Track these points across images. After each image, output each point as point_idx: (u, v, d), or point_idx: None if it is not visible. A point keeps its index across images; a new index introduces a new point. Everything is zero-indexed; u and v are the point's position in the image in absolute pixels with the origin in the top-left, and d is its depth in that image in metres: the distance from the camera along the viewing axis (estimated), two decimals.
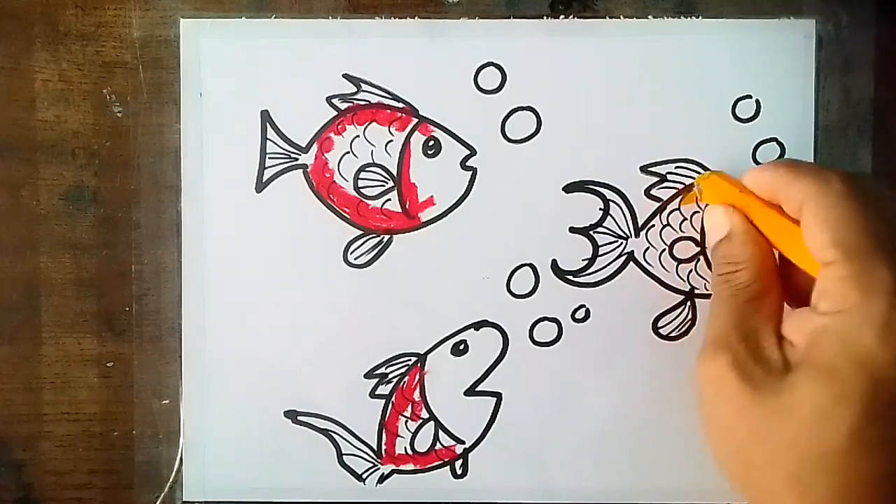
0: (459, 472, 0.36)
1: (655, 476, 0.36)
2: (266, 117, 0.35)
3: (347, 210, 0.36)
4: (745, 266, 0.31)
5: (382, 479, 0.36)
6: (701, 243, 0.35)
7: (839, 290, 0.27)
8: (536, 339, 0.36)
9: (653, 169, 0.35)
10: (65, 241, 0.36)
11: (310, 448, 0.36)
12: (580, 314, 0.36)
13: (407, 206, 0.36)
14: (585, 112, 0.35)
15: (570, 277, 0.36)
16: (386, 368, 0.36)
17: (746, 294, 0.31)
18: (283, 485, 0.36)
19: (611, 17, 0.35)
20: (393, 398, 0.36)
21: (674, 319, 0.36)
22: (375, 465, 0.36)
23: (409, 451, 0.36)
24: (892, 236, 0.28)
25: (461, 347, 0.36)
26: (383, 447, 0.36)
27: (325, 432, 0.36)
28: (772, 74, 0.35)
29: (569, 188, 0.35)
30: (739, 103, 0.35)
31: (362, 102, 0.35)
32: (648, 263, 0.36)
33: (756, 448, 0.28)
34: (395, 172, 0.36)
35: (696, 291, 0.36)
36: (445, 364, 0.36)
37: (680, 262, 0.36)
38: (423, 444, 0.36)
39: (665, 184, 0.35)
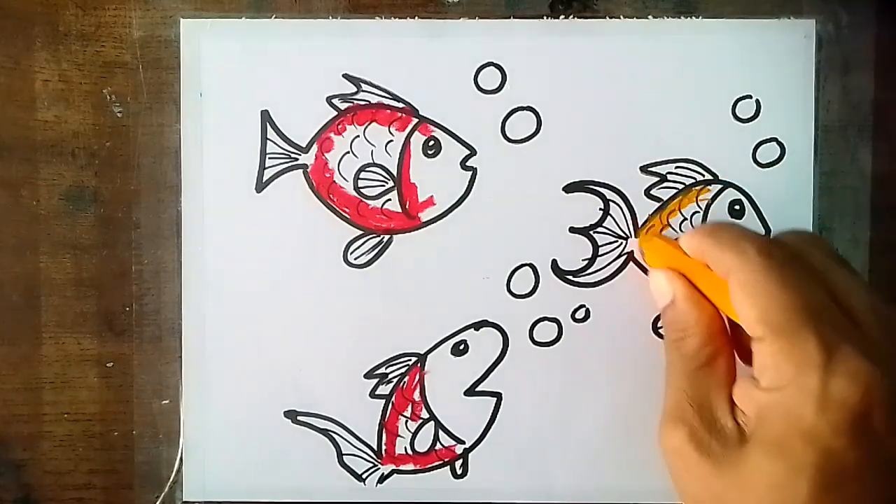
0: (459, 472, 0.36)
1: (655, 476, 0.36)
2: (266, 117, 0.35)
3: (347, 210, 0.36)
4: (693, 332, 0.31)
5: (382, 479, 0.36)
6: None
7: (774, 366, 0.28)
8: (536, 339, 0.36)
9: (653, 169, 0.35)
10: (65, 241, 0.36)
11: (310, 448, 0.36)
12: (580, 314, 0.36)
13: (407, 206, 0.36)
14: (585, 112, 0.35)
15: (570, 277, 0.36)
16: (386, 368, 0.36)
17: (697, 360, 0.31)
18: (283, 485, 0.36)
19: (611, 17, 0.35)
20: (393, 398, 0.36)
21: None
22: (375, 465, 0.36)
23: (409, 451, 0.36)
24: (818, 304, 0.28)
25: (461, 347, 0.36)
26: (383, 447, 0.36)
27: (325, 432, 0.36)
28: (772, 74, 0.35)
29: (569, 188, 0.35)
30: (739, 103, 0.35)
31: (362, 102, 0.35)
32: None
33: None
34: (395, 172, 0.36)
35: None
36: (445, 364, 0.36)
37: None
38: (423, 444, 0.36)
39: (665, 184, 0.35)
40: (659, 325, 0.35)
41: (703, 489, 0.29)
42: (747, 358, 0.30)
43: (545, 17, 0.35)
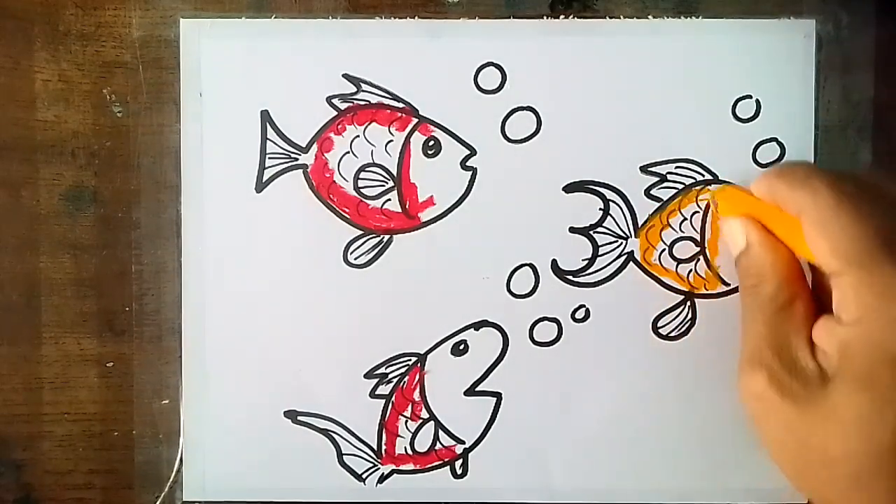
0: (459, 472, 0.36)
1: (655, 476, 0.36)
2: (266, 117, 0.35)
3: (347, 210, 0.36)
4: (769, 277, 0.31)
5: (382, 479, 0.36)
6: (701, 243, 0.35)
7: (855, 298, 0.27)
8: (536, 339, 0.36)
9: (653, 169, 0.35)
10: (65, 241, 0.36)
11: (310, 448, 0.36)
12: (580, 314, 0.36)
13: (407, 206, 0.36)
14: (585, 112, 0.35)
15: (570, 277, 0.36)
16: (386, 368, 0.36)
17: (774, 305, 0.30)
18: (283, 485, 0.36)
19: (611, 17, 0.35)
20: (393, 398, 0.36)
21: (673, 319, 0.36)
22: (375, 465, 0.36)
23: (409, 451, 0.36)
24: (893, 232, 0.27)
25: (461, 347, 0.36)
26: (383, 447, 0.36)
27: (325, 432, 0.36)
28: (772, 74, 0.35)
29: (569, 188, 0.35)
30: (739, 103, 0.35)
31: (362, 102, 0.35)
32: (648, 263, 0.36)
33: (810, 457, 0.29)
34: (395, 172, 0.36)
35: (696, 291, 0.36)
36: (445, 364, 0.36)
37: (680, 262, 0.36)
38: (423, 444, 0.36)
39: (665, 184, 0.35)
40: (659, 325, 0.35)
41: (787, 432, 0.29)
42: (828, 300, 0.30)
43: (545, 17, 0.35)
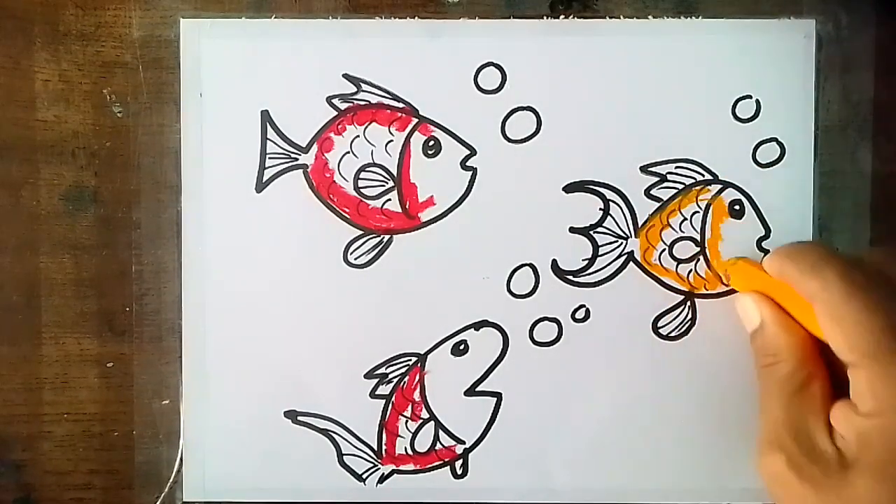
0: (459, 472, 0.36)
1: (655, 476, 0.36)
2: (266, 117, 0.35)
3: (347, 210, 0.36)
4: (785, 357, 0.31)
5: (382, 479, 0.36)
6: (701, 243, 0.35)
7: (871, 392, 0.28)
8: (536, 339, 0.36)
9: (653, 169, 0.35)
10: (65, 241, 0.36)
11: (310, 448, 0.36)
12: (580, 314, 0.36)
13: (407, 206, 0.36)
14: (585, 112, 0.35)
15: (570, 277, 0.36)
16: (386, 368, 0.36)
17: (791, 385, 0.30)
18: (283, 485, 0.36)
19: (611, 17, 0.35)
20: (393, 398, 0.36)
21: (673, 319, 0.36)
22: (375, 465, 0.36)
23: (410, 452, 0.36)
24: None
25: (461, 347, 0.36)
26: (383, 447, 0.36)
27: (325, 432, 0.36)
28: (772, 74, 0.35)
29: (569, 188, 0.35)
30: (739, 103, 0.35)
31: (362, 102, 0.35)
32: (648, 263, 0.36)
33: None
34: (395, 172, 0.36)
35: (696, 291, 0.36)
36: (445, 364, 0.36)
37: (680, 262, 0.36)
38: (423, 444, 0.36)
39: (665, 184, 0.35)
40: (659, 325, 0.35)
41: None
42: (844, 377, 0.30)
43: (545, 17, 0.35)
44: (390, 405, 0.36)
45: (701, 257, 0.35)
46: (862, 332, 0.28)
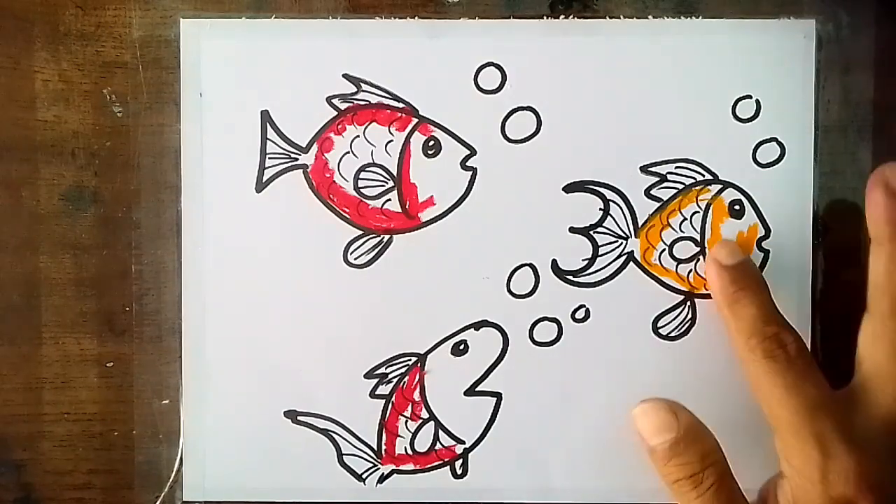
0: (459, 472, 0.36)
1: (655, 476, 0.36)
2: (266, 117, 0.35)
3: (347, 210, 0.36)
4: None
5: (382, 479, 0.36)
6: (701, 243, 0.35)
7: (784, 458, 0.33)
8: (536, 339, 0.36)
9: (653, 169, 0.35)
10: (65, 241, 0.36)
11: (310, 448, 0.36)
12: (580, 314, 0.36)
13: (407, 206, 0.36)
14: (585, 112, 0.35)
15: (570, 277, 0.36)
16: (386, 368, 0.36)
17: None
18: (283, 485, 0.36)
19: (611, 17, 0.35)
20: (393, 398, 0.36)
21: (673, 319, 0.36)
22: (375, 465, 0.36)
23: (409, 451, 0.36)
24: (819, 401, 0.31)
25: (461, 347, 0.36)
26: (383, 447, 0.36)
27: (325, 432, 0.36)
28: (772, 74, 0.35)
29: (569, 188, 0.35)
30: (739, 103, 0.35)
31: (362, 102, 0.35)
32: (648, 263, 0.36)
33: None
34: (395, 172, 0.36)
35: (696, 291, 0.36)
36: (445, 364, 0.36)
37: (680, 262, 0.36)
38: (423, 444, 0.36)
39: (665, 184, 0.35)
40: (659, 325, 0.35)
41: None
42: None
43: (545, 17, 0.35)
44: (390, 405, 0.36)
45: (701, 257, 0.35)
46: (778, 405, 0.31)
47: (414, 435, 0.36)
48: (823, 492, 0.30)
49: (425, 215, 0.36)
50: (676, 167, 0.35)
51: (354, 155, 0.36)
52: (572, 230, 0.36)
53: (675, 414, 0.33)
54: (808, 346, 0.33)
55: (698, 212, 0.35)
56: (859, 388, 0.32)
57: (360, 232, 0.36)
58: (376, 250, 0.36)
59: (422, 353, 0.36)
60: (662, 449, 0.33)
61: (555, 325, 0.36)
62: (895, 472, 0.30)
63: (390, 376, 0.36)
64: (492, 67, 0.35)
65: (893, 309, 0.31)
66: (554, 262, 0.36)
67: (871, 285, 0.31)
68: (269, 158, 0.35)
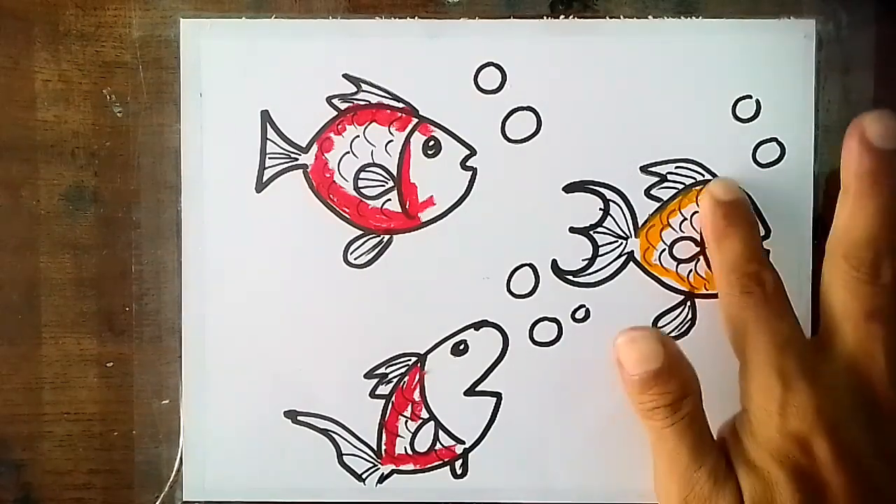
0: (459, 472, 0.36)
1: None
2: (266, 117, 0.35)
3: (347, 210, 0.36)
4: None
5: (382, 479, 0.36)
6: (701, 243, 0.35)
7: (744, 391, 0.33)
8: (536, 339, 0.36)
9: (653, 169, 0.35)
10: (65, 241, 0.36)
11: (310, 448, 0.36)
12: (580, 314, 0.36)
13: (407, 206, 0.36)
14: (585, 112, 0.35)
15: (570, 277, 0.36)
16: (386, 368, 0.36)
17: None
18: (283, 485, 0.36)
19: (611, 17, 0.35)
20: (393, 398, 0.36)
21: (673, 319, 0.36)
22: (375, 465, 0.36)
23: (409, 451, 0.36)
24: (786, 338, 0.32)
25: (461, 347, 0.36)
26: (383, 447, 0.36)
27: (325, 432, 0.36)
28: (772, 74, 0.35)
29: (569, 188, 0.35)
30: (739, 103, 0.35)
31: (362, 102, 0.35)
32: (648, 263, 0.36)
33: None
34: (395, 172, 0.36)
35: (696, 291, 0.36)
36: (445, 364, 0.36)
37: (680, 262, 0.36)
38: (423, 444, 0.36)
39: (665, 184, 0.35)
40: (659, 325, 0.35)
41: None
42: None
43: (545, 17, 0.35)
44: (390, 405, 0.36)
45: (701, 257, 0.35)
46: (744, 340, 0.32)
47: (414, 435, 0.36)
48: (781, 424, 0.31)
49: (425, 215, 0.36)
50: (676, 167, 0.35)
51: (354, 155, 0.36)
52: (572, 230, 0.36)
53: (663, 343, 0.32)
54: None
55: (698, 212, 0.35)
56: (823, 332, 0.33)
57: (360, 232, 0.36)
58: (376, 250, 0.36)
59: (422, 353, 0.36)
60: (645, 377, 0.32)
61: (555, 325, 0.36)
62: (853, 417, 0.31)
63: (390, 376, 0.36)
64: (492, 67, 0.35)
65: (847, 254, 0.31)
66: (554, 262, 0.36)
67: (833, 229, 0.32)
68: (269, 158, 0.35)
